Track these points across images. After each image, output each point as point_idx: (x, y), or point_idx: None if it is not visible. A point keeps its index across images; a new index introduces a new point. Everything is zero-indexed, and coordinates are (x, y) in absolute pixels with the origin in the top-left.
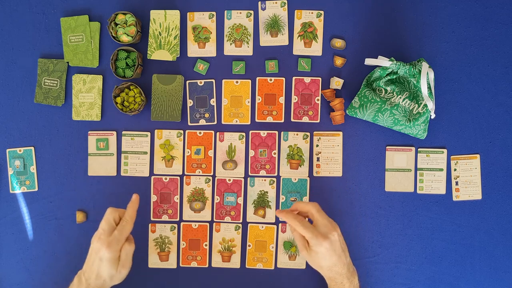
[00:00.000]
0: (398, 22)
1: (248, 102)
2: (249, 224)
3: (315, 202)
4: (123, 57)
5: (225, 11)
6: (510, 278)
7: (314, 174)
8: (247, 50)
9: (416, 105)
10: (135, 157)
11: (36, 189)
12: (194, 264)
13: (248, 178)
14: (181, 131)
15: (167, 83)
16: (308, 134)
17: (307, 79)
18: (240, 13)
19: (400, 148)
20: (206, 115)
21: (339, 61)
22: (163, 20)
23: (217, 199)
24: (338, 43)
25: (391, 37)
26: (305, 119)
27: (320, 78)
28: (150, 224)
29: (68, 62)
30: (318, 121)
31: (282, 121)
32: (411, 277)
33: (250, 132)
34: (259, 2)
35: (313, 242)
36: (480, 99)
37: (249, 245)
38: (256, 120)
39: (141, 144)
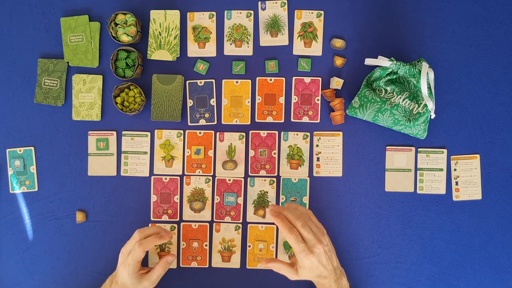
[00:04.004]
0: (398, 22)
1: (248, 102)
2: (249, 224)
3: (301, 215)
4: (123, 57)
5: (225, 11)
6: (510, 278)
7: (314, 174)
8: (247, 50)
9: (416, 105)
10: (135, 157)
11: (36, 189)
12: (194, 264)
13: (248, 178)
14: (181, 131)
15: (167, 83)
16: (308, 134)
17: (307, 79)
18: (240, 13)
19: (400, 148)
20: (206, 115)
21: (339, 61)
22: (163, 20)
23: (217, 199)
24: (338, 43)
25: (391, 37)
26: (305, 119)
27: (320, 78)
28: (150, 224)
29: (68, 62)
30: (318, 121)
31: (282, 121)
32: (411, 277)
33: (250, 132)
34: (259, 2)
35: (299, 256)
36: (480, 99)
37: (249, 246)
38: (256, 120)
39: (141, 144)
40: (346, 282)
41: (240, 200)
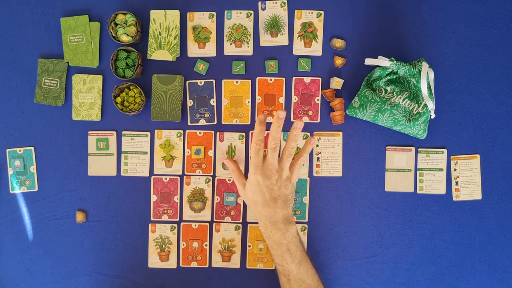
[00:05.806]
0: (398, 22)
1: (248, 102)
2: (249, 224)
3: (279, 142)
4: (123, 57)
5: (225, 11)
6: (510, 278)
7: (314, 174)
8: (247, 50)
9: (416, 105)
10: (135, 157)
11: (36, 189)
12: (194, 264)
13: None
14: (181, 131)
15: (167, 83)
16: (308, 134)
17: (307, 79)
18: (240, 13)
19: (400, 148)
20: (206, 115)
21: (339, 61)
22: (163, 20)
23: (217, 199)
24: (338, 43)
25: (391, 37)
26: (305, 119)
27: (320, 78)
28: (150, 224)
29: (68, 62)
30: (318, 121)
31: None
32: (411, 277)
33: (250, 132)
34: (259, 2)
35: (250, 168)
36: (480, 99)
37: (249, 246)
38: None
39: (141, 144)
40: (295, 233)
41: (240, 200)
